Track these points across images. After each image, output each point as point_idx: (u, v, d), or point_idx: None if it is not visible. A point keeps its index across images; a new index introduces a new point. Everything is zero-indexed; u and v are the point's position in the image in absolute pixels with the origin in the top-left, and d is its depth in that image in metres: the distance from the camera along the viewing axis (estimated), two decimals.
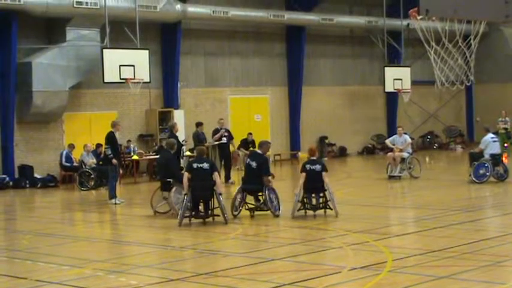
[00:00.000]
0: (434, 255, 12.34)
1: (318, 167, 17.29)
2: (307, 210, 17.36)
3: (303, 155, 30.83)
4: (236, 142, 28.80)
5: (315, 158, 17.70)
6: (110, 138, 21.51)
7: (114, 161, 21.34)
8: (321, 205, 17.37)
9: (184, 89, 32.07)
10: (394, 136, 26.30)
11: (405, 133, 26.51)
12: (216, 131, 26.16)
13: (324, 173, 17.25)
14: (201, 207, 16.83)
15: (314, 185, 17.27)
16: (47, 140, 28.46)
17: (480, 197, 21.16)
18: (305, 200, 17.36)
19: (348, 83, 38.65)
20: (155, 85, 30.72)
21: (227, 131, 26.47)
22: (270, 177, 17.52)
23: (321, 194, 17.37)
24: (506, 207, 18.95)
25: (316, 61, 37.17)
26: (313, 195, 17.41)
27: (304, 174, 17.22)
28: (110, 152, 21.38)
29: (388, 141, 26.50)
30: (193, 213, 16.71)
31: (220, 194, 16.80)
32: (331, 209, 17.20)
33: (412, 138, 28.11)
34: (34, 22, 27.67)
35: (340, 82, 38.33)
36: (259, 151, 18.01)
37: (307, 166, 17.34)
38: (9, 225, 19.42)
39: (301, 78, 35.80)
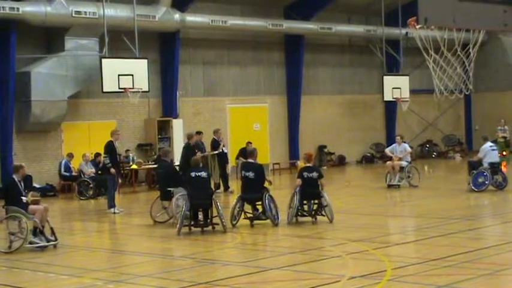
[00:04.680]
0: (433, 264, 12.33)
1: (314, 174, 17.59)
2: (299, 217, 17.54)
3: (301, 163, 30.84)
4: (235, 151, 28.84)
5: (310, 164, 17.90)
6: (109, 148, 21.53)
7: (113, 170, 21.35)
8: (313, 212, 17.50)
9: (183, 98, 32.07)
10: (394, 145, 26.31)
11: (404, 142, 26.50)
12: (214, 142, 26.07)
13: (321, 179, 17.61)
14: (200, 216, 16.85)
15: (311, 191, 17.45)
16: (46, 149, 28.45)
17: (479, 205, 21.16)
18: (299, 207, 17.49)
19: (347, 92, 38.67)
20: (154, 94, 30.74)
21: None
22: (267, 184, 17.68)
23: (315, 201, 17.51)
24: (505, 215, 18.94)
25: (315, 70, 37.19)
26: (304, 202, 17.55)
27: (299, 180, 17.38)
28: (108, 161, 21.40)
29: (387, 151, 26.49)
30: (192, 222, 16.73)
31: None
32: (323, 215, 17.29)
33: (410, 147, 28.09)
34: (33, 31, 27.67)
35: (339, 91, 38.35)
36: (251, 160, 18.07)
37: (305, 174, 17.51)
38: None
39: (300, 87, 35.81)
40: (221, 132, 27.16)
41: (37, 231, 15.31)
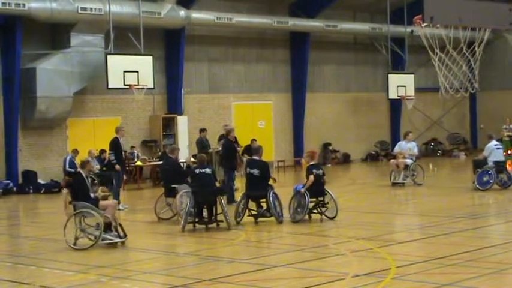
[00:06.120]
0: (437, 263, 12.33)
1: (321, 171, 17.67)
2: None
3: (304, 162, 30.88)
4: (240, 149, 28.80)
5: (314, 162, 17.99)
6: (114, 144, 21.55)
7: (118, 166, 21.36)
8: (314, 209, 17.58)
9: (188, 95, 32.10)
10: (400, 142, 26.18)
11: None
12: (222, 137, 26.02)
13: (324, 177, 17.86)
14: (204, 213, 16.86)
15: (318, 188, 17.52)
16: (51, 145, 28.50)
17: (484, 204, 21.14)
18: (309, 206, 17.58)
19: (352, 90, 38.67)
20: (159, 91, 30.78)
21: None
22: (271, 181, 17.70)
23: (314, 199, 17.59)
24: (509, 214, 18.91)
25: (320, 67, 37.19)
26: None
27: (312, 177, 17.43)
28: (113, 158, 21.42)
29: (396, 151, 26.14)
30: (196, 219, 16.74)
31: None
32: (323, 214, 17.47)
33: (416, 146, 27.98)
34: (38, 28, 27.72)
35: (343, 89, 38.35)
36: (256, 157, 18.07)
37: (314, 171, 17.57)
38: (13, 231, 19.45)
39: (305, 84, 35.82)
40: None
41: (108, 228, 14.96)
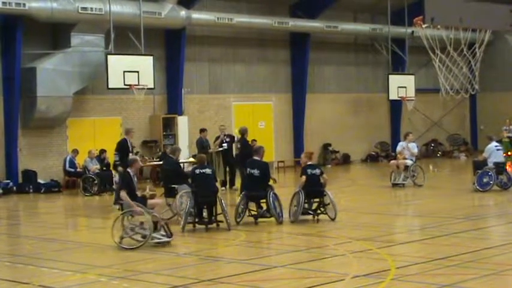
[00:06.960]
0: (437, 264, 12.33)
1: (317, 171, 17.69)
2: (302, 215, 17.54)
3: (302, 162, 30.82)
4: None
5: (311, 162, 17.99)
6: (121, 145, 21.52)
7: (120, 168, 21.31)
8: (315, 210, 17.55)
9: (188, 95, 32.09)
10: (401, 143, 26.09)
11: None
12: (218, 138, 26.09)
13: (323, 176, 17.82)
14: (204, 213, 16.85)
15: (315, 189, 17.51)
16: (51, 145, 28.48)
17: (483, 205, 21.14)
18: (306, 205, 17.54)
19: (352, 91, 38.65)
20: (159, 91, 30.78)
21: (229, 136, 26.37)
22: (271, 182, 17.69)
23: (316, 199, 17.58)
24: (509, 215, 18.90)
25: (320, 68, 37.18)
26: (305, 200, 17.60)
27: (304, 177, 17.42)
28: (117, 159, 21.42)
29: (398, 150, 26.07)
30: (196, 219, 16.74)
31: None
32: (325, 214, 17.36)
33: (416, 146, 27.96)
34: (39, 27, 27.70)
35: (344, 89, 38.33)
36: (256, 158, 18.04)
37: (308, 171, 17.57)
38: (13, 230, 19.44)
39: (305, 85, 35.82)
40: (224, 127, 27.02)
41: (156, 227, 14.79)
